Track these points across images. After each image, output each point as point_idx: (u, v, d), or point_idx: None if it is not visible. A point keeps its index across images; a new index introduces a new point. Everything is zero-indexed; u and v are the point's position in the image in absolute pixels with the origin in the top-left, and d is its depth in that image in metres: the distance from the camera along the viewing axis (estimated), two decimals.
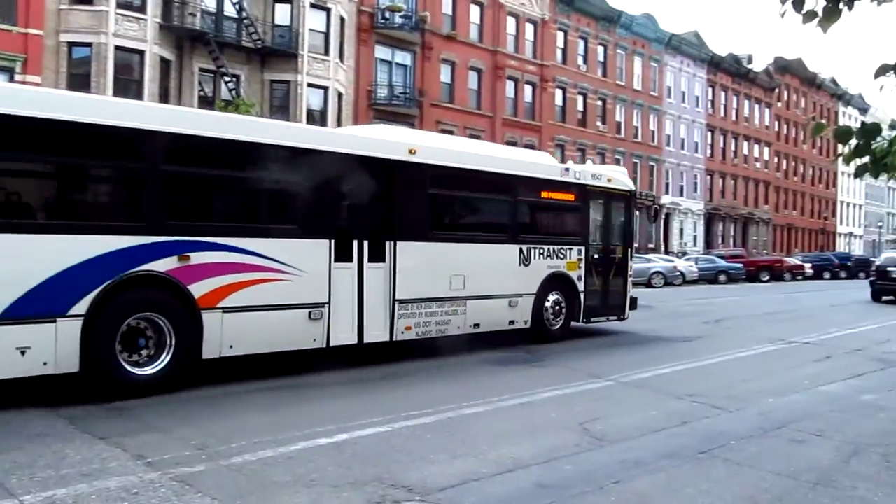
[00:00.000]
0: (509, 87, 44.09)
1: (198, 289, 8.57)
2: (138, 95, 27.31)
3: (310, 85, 33.05)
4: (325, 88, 33.56)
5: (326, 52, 33.63)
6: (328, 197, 10.03)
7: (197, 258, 8.56)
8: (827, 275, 50.51)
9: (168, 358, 8.42)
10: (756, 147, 69.07)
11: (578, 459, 6.41)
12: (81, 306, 7.66)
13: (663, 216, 56.76)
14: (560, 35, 47.60)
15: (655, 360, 11.98)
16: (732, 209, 65.32)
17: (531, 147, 44.61)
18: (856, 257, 58.26)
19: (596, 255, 14.61)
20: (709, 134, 62.64)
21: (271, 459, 6.08)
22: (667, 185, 58.35)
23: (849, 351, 13.94)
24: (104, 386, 7.96)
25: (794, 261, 48.84)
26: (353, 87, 36.06)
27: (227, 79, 30.63)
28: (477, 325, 12.17)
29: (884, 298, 28.29)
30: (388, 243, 10.72)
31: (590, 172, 14.62)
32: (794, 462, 6.59)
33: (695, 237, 61.47)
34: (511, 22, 44.18)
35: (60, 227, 7.66)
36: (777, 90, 71.40)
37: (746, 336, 15.73)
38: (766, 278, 43.60)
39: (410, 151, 11.06)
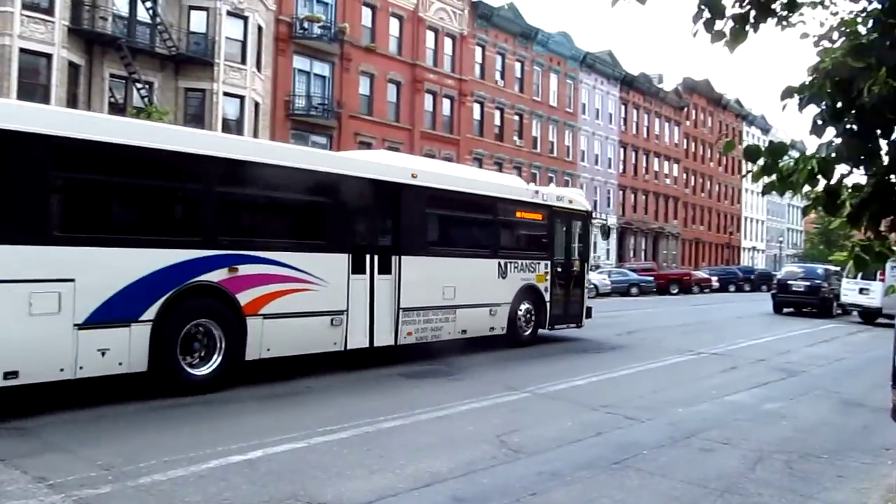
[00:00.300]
0: (428, 100, 44.29)
1: (244, 297, 9.65)
2: (45, 100, 26.23)
3: (226, 94, 32.41)
4: (242, 98, 32.98)
5: (243, 61, 33.07)
6: (347, 215, 11.25)
7: (243, 270, 9.66)
8: (732, 287, 52.46)
9: (219, 360, 9.43)
10: (666, 164, 71.29)
11: (496, 472, 6.44)
12: (150, 312, 8.64)
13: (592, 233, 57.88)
14: (478, 50, 48.14)
15: (571, 371, 12.16)
16: (644, 224, 67.13)
17: (449, 160, 44.95)
18: (759, 271, 60.77)
19: (559, 269, 16.21)
20: (621, 150, 64.33)
21: (182, 479, 5.88)
22: None
23: (753, 361, 14.48)
24: (169, 385, 8.91)
25: (701, 274, 50.50)
26: (270, 97, 35.57)
27: (139, 85, 29.73)
28: (464, 332, 13.55)
29: (784, 311, 29.56)
30: (393, 257, 12.03)
31: (555, 194, 16.32)
32: (703, 470, 6.78)
33: (608, 251, 62.87)
34: (430, 36, 44.45)
35: (134, 241, 8.63)
36: (686, 109, 73.94)
37: (658, 347, 16.16)
38: (676, 291, 44.95)
39: (413, 175, 12.45)
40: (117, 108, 29.15)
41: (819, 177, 3.65)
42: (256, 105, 34.06)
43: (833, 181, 3.69)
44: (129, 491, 5.60)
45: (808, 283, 28.87)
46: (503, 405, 9.31)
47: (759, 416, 9.38)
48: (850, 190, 3.72)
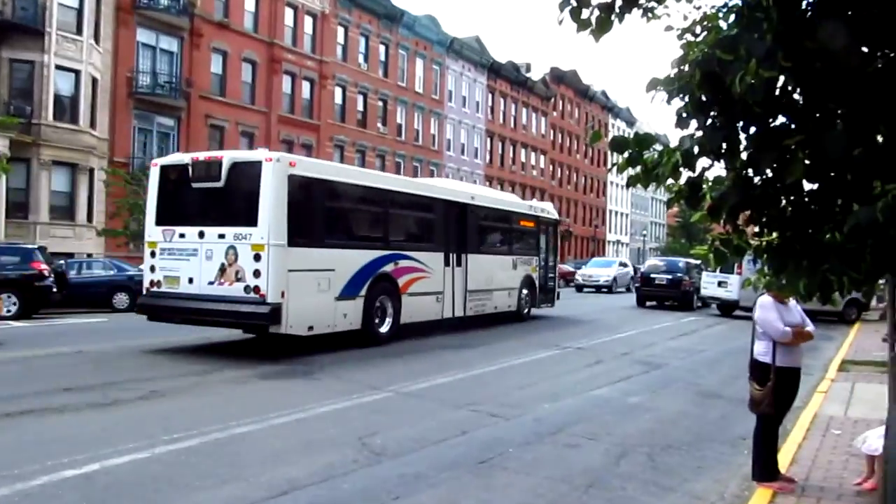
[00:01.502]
0: (286, 82, 43.46)
1: (400, 281, 15.81)
2: None
3: (58, 67, 30.53)
4: (77, 72, 31.17)
5: (79, 31, 31.25)
6: (441, 225, 17.79)
7: (400, 263, 15.85)
8: None
9: (391, 323, 15.49)
10: (533, 155, 73.24)
11: (357, 476, 6.40)
12: (363, 290, 14.59)
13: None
14: (341, 30, 47.68)
15: (434, 369, 12.29)
16: None
17: (308, 147, 44.36)
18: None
19: (542, 263, 23.23)
20: (488, 140, 65.52)
21: (6, 499, 5.50)
22: None
23: (617, 355, 15.13)
24: (370, 338, 14.72)
25: (567, 267, 52.24)
26: (110, 73, 33.81)
27: None
28: (495, 308, 20.05)
29: (647, 304, 31.03)
30: (462, 255, 18.41)
31: (539, 207, 23.85)
32: (568, 466, 7.01)
33: None
34: (289, 13, 43.60)
35: (356, 245, 14.74)
36: (553, 100, 76.25)
37: (522, 343, 16.61)
38: None
39: (472, 197, 19.33)
40: None
41: (682, 170, 3.84)
42: (94, 81, 32.30)
43: (695, 174, 3.89)
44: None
45: (669, 277, 30.41)
46: (365, 405, 9.28)
47: (623, 409, 9.80)
48: (710, 183, 3.92)
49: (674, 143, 3.88)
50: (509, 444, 7.66)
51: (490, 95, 65.43)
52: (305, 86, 44.94)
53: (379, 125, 51.20)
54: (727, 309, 27.06)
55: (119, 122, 34.37)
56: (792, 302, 6.65)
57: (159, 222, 13.64)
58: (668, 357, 15.21)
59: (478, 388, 10.78)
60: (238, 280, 12.59)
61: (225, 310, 12.55)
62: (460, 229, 18.38)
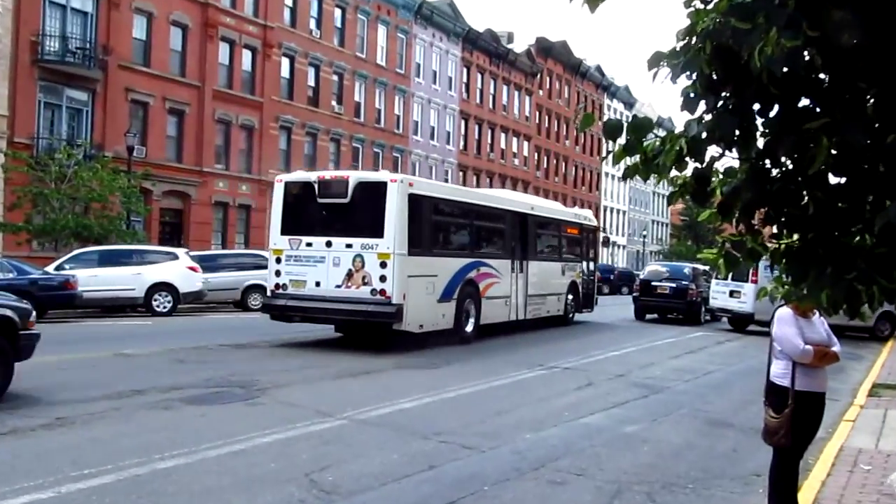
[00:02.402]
0: (223, 50, 43.19)
1: (481, 286, 20.42)
2: None
3: None
4: None
5: None
6: (509, 234, 22.58)
7: (481, 270, 20.47)
8: None
9: (474, 323, 20.02)
10: (515, 141, 73.48)
11: None
12: (455, 294, 19.13)
13: None
14: None
15: (396, 391, 12.30)
16: None
17: (249, 128, 44.16)
18: (619, 270, 63.95)
19: (584, 269, 28.31)
20: (462, 123, 65.63)
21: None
22: None
23: (611, 377, 15.23)
24: (460, 337, 19.18)
25: None
26: (11, 36, 33.35)
27: None
28: (548, 312, 25.20)
29: (648, 317, 31.27)
30: (524, 261, 23.11)
31: (582, 215, 30.01)
32: None
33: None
34: None
35: (451, 253, 19.64)
36: (539, 76, 76.58)
37: (501, 360, 16.70)
38: None
39: (531, 207, 24.65)
40: None
41: (688, 159, 3.86)
42: None
43: (703, 165, 3.93)
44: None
45: (673, 285, 30.78)
46: (314, 435, 9.25)
47: (618, 440, 9.86)
48: (721, 175, 3.96)
49: (679, 128, 3.90)
50: (485, 481, 7.67)
51: (465, 70, 65.54)
52: (246, 55, 44.71)
53: (333, 103, 51.09)
54: (740, 323, 27.43)
55: (21, 96, 33.86)
56: (817, 316, 6.71)
57: (284, 232, 18.55)
58: (670, 379, 15.36)
59: (449, 414, 10.78)
60: (365, 284, 17.44)
61: (353, 309, 17.50)
62: (522, 238, 23.39)
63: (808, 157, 3.50)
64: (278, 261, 18.45)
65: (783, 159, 3.64)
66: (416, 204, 18.07)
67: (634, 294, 33.12)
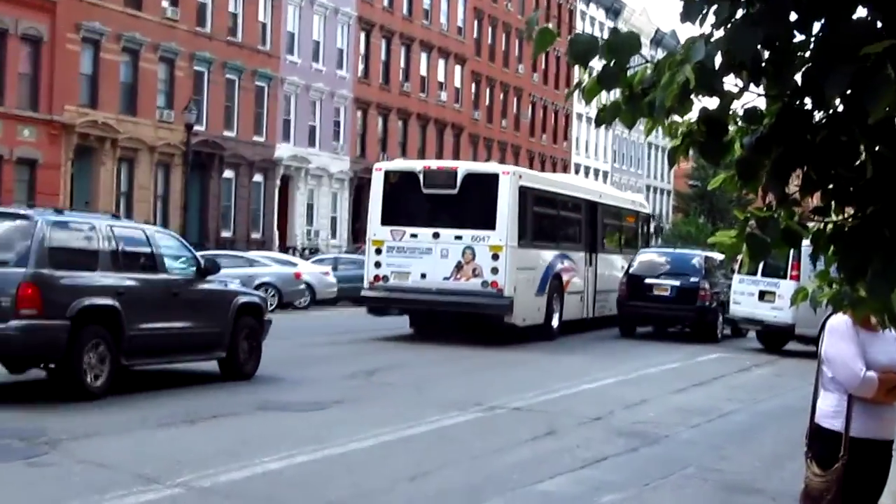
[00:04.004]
0: None
1: (564, 280, 29.79)
2: None
3: None
4: None
5: None
6: (583, 225, 32.68)
7: (565, 263, 30.04)
8: None
9: (559, 318, 29.23)
10: (441, 65, 73.17)
11: None
12: (546, 287, 28.38)
13: (306, 187, 58.74)
14: None
15: (259, 444, 12.34)
16: None
17: (35, 40, 43.42)
18: None
19: None
20: (362, 36, 65.20)
21: None
22: (286, 125, 60.07)
23: (583, 420, 15.35)
24: (550, 331, 28.48)
25: None
26: None
27: None
28: (610, 310, 32.68)
29: (639, 329, 31.33)
30: (594, 254, 32.72)
31: (638, 202, 42.44)
32: None
33: (333, 221, 63.59)
34: None
35: (547, 246, 29.32)
36: None
37: (420, 397, 16.86)
38: None
39: (599, 195, 35.80)
40: None
41: (695, 97, 3.85)
42: None
43: (718, 105, 3.92)
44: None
45: (677, 283, 30.85)
46: None
47: None
48: (741, 121, 3.97)
49: (680, 49, 3.90)
50: None
51: None
52: None
53: (164, 4, 50.50)
54: (774, 339, 27.47)
55: None
56: (889, 331, 6.53)
57: (385, 222, 25.89)
58: (669, 424, 15.52)
59: (334, 480, 10.79)
60: (475, 276, 24.93)
61: (462, 301, 24.99)
62: (592, 228, 32.43)
63: (869, 94, 3.50)
64: (378, 252, 25.96)
65: (831, 98, 3.65)
66: (522, 195, 26.11)
67: (619, 297, 32.47)
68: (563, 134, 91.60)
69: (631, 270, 32.78)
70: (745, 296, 27.73)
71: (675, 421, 15.81)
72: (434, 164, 27.18)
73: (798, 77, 3.69)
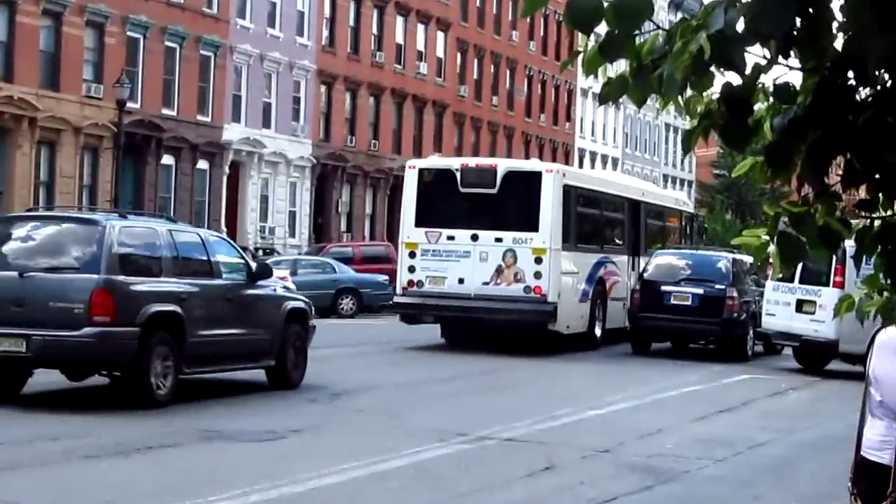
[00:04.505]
0: None
1: (608, 285, 34.23)
2: None
3: None
4: None
5: None
6: (626, 226, 37.40)
7: (608, 267, 34.53)
8: None
9: (602, 326, 33.85)
10: (421, 33, 73.23)
11: None
12: (590, 293, 32.77)
13: (259, 175, 58.66)
14: None
15: (204, 481, 12.34)
16: (370, 160, 68.40)
17: None
18: None
19: None
20: (326, 0, 65.10)
21: None
22: (236, 101, 59.97)
23: (589, 453, 15.37)
24: (593, 340, 32.78)
25: None
26: None
27: None
28: None
29: (655, 345, 31.38)
30: (636, 258, 37.00)
31: (682, 200, 51.21)
32: None
33: (292, 216, 63.50)
34: None
35: (590, 248, 33.65)
36: None
37: (393, 425, 16.93)
38: None
39: (642, 193, 40.35)
40: None
41: (716, 69, 3.83)
42: None
43: (742, 80, 3.91)
44: None
45: (699, 291, 31.15)
46: None
47: None
48: (771, 99, 3.97)
49: (699, 14, 3.89)
50: None
51: None
52: None
53: None
54: (814, 358, 27.62)
55: None
56: None
57: (420, 224, 27.77)
58: (691, 458, 15.55)
59: None
60: (517, 281, 27.10)
61: (503, 307, 27.04)
62: (635, 230, 35.56)
63: None
64: (412, 255, 28.42)
65: (877, 72, 3.65)
66: (566, 195, 28.62)
67: (631, 308, 33.02)
68: (565, 114, 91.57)
69: (645, 275, 33.10)
70: (781, 306, 27.83)
71: (696, 454, 15.85)
72: (472, 161, 29.04)
73: (838, 46, 3.69)
